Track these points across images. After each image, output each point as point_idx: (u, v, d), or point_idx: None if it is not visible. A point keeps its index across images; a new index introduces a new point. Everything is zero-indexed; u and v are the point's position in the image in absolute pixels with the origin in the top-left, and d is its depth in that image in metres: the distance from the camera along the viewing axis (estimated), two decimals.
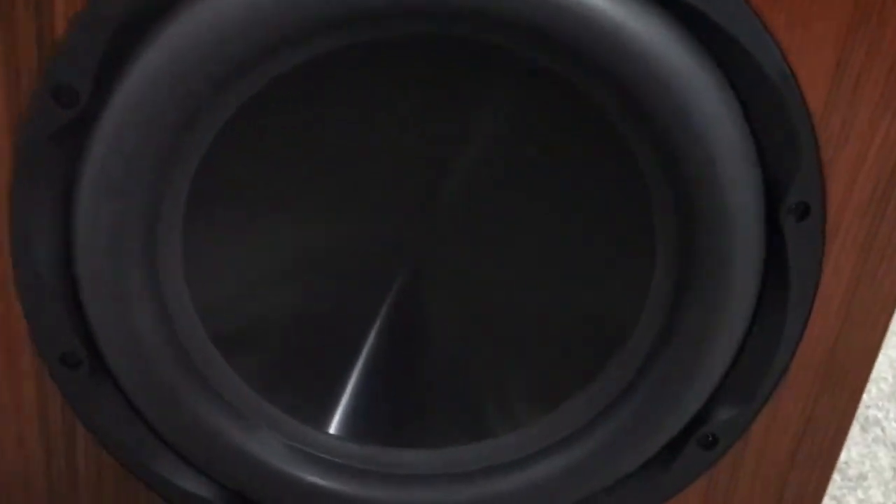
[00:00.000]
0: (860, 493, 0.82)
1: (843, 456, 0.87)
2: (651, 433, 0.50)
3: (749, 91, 0.44)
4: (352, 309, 0.50)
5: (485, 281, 0.50)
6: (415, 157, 0.47)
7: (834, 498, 0.82)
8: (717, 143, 0.43)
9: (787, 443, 0.52)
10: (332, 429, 0.51)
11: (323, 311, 0.50)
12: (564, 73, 0.43)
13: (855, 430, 0.89)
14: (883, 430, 0.90)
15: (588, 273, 0.49)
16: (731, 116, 0.43)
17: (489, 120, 0.46)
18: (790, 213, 0.46)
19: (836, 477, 0.84)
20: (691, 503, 0.54)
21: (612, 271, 0.49)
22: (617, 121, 0.44)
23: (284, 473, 0.50)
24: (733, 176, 0.44)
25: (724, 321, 0.47)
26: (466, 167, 0.47)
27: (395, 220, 0.48)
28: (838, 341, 0.49)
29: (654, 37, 0.41)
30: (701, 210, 0.44)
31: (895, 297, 0.48)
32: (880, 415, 0.92)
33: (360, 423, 0.51)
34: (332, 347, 0.51)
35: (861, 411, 0.92)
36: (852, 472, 0.85)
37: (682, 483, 0.54)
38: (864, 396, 0.94)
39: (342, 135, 0.46)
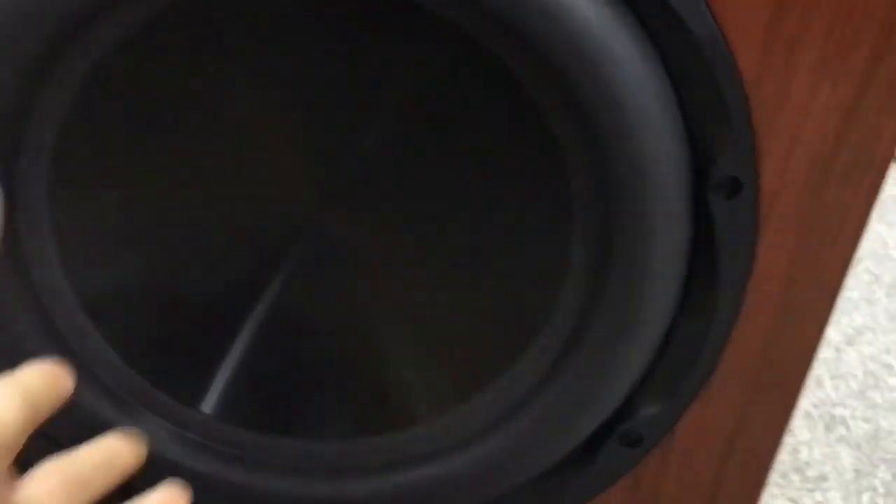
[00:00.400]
0: (818, 496, 0.78)
1: (804, 456, 0.82)
2: (565, 429, 0.46)
3: (675, 54, 0.39)
4: (234, 281, 0.45)
5: (386, 263, 0.45)
6: (313, 123, 0.42)
7: (791, 500, 0.77)
8: (636, 108, 0.38)
9: (718, 444, 0.48)
10: (209, 409, 0.47)
11: (203, 285, 0.45)
12: (474, 32, 0.38)
13: (818, 430, 0.85)
14: (848, 429, 0.85)
15: (501, 260, 0.44)
16: (653, 80, 0.39)
17: (393, 90, 0.41)
18: (719, 188, 0.41)
19: (794, 478, 0.80)
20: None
21: (528, 258, 0.44)
22: (531, 88, 0.39)
23: (156, 456, 0.46)
24: (654, 146, 0.39)
25: (644, 311, 0.43)
26: (369, 138, 0.42)
27: (290, 191, 0.43)
28: (774, 334, 0.45)
29: None
30: (619, 184, 0.39)
31: (838, 284, 0.43)
32: (846, 413, 0.87)
33: (238, 406, 0.46)
34: (210, 321, 0.46)
35: (826, 409, 0.87)
36: (812, 472, 0.80)
37: (604, 482, 0.49)
38: (832, 394, 0.89)
39: (232, 90, 0.41)
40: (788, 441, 0.83)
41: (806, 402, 0.88)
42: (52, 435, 0.46)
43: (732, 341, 0.45)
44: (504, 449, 0.47)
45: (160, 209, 0.44)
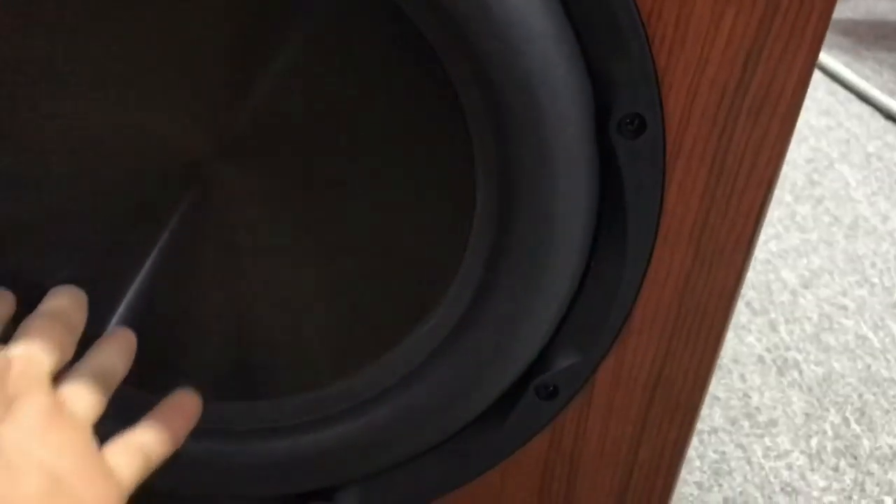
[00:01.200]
0: (767, 441, 0.77)
1: (755, 400, 0.81)
2: (478, 382, 0.44)
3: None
4: (124, 234, 0.42)
5: (284, 220, 0.42)
6: (212, 67, 0.39)
7: (740, 446, 0.76)
8: (528, 41, 0.35)
9: (638, 395, 0.46)
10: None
11: (90, 236, 0.43)
12: None
13: (770, 375, 0.84)
14: (801, 373, 0.84)
15: (404, 212, 0.42)
16: (545, 12, 0.36)
17: (292, 32, 0.38)
18: (622, 128, 0.38)
19: (744, 423, 0.79)
20: (535, 462, 0.48)
21: (431, 208, 0.42)
22: (422, 27, 0.37)
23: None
24: (549, 81, 0.36)
25: (551, 257, 0.40)
26: (268, 86, 0.39)
27: (189, 133, 0.40)
28: (689, 278, 0.43)
29: None
30: (514, 124, 0.37)
31: (753, 224, 0.41)
32: (800, 357, 0.86)
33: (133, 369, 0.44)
34: (99, 279, 0.43)
35: (780, 353, 0.86)
36: (762, 418, 0.79)
37: (522, 436, 0.47)
38: (786, 338, 0.88)
39: (136, 18, 0.38)
40: (739, 387, 0.82)
41: (759, 346, 0.87)
42: None
43: (646, 287, 0.43)
44: (417, 405, 0.45)
45: (46, 159, 0.41)
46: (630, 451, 0.48)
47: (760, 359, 0.85)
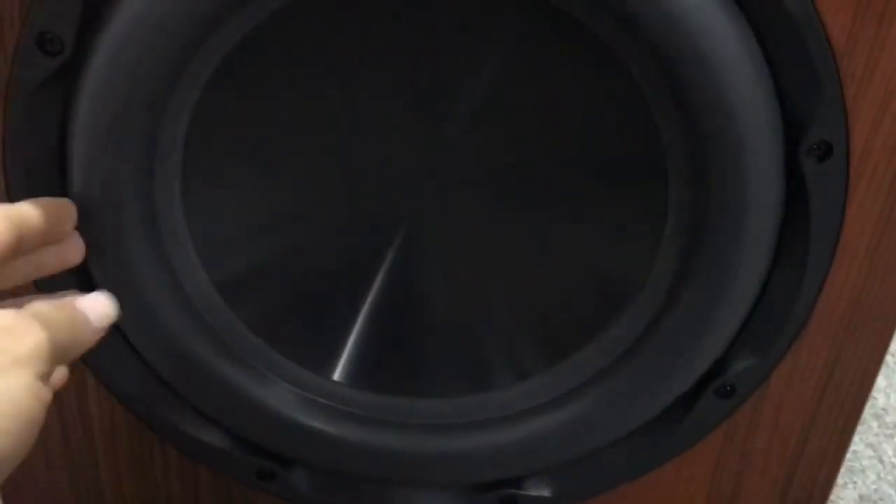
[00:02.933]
0: None
1: (881, 402, 0.84)
2: (662, 385, 0.49)
3: (766, 22, 0.41)
4: (355, 255, 0.49)
5: (491, 231, 0.48)
6: (418, 100, 0.45)
7: (870, 445, 0.80)
8: (730, 76, 0.40)
9: (809, 395, 0.50)
10: (337, 376, 0.51)
11: (326, 257, 0.49)
12: (566, 7, 0.41)
13: (895, 377, 0.86)
14: None
15: (597, 221, 0.47)
16: (744, 48, 0.41)
17: (490, 61, 0.44)
18: (811, 153, 0.43)
19: (873, 424, 0.82)
20: (708, 456, 0.53)
21: (622, 219, 0.47)
22: (625, 58, 0.42)
23: (293, 421, 0.50)
24: (748, 112, 0.41)
25: (739, 269, 0.45)
26: (469, 111, 0.45)
27: (400, 165, 0.47)
28: (863, 290, 0.47)
29: None
30: (714, 149, 0.42)
31: None
32: None
33: (365, 371, 0.50)
34: (336, 294, 0.50)
35: None
36: (890, 418, 0.82)
37: (698, 434, 0.52)
38: None
39: (342, 76, 0.45)
40: None
41: None
42: (190, 401, 0.51)
43: (823, 295, 0.47)
44: (602, 405, 0.50)
45: (284, 193, 0.47)
46: (798, 445, 0.52)
47: (885, 363, 0.88)
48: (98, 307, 0.41)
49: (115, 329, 0.49)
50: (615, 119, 0.45)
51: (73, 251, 0.43)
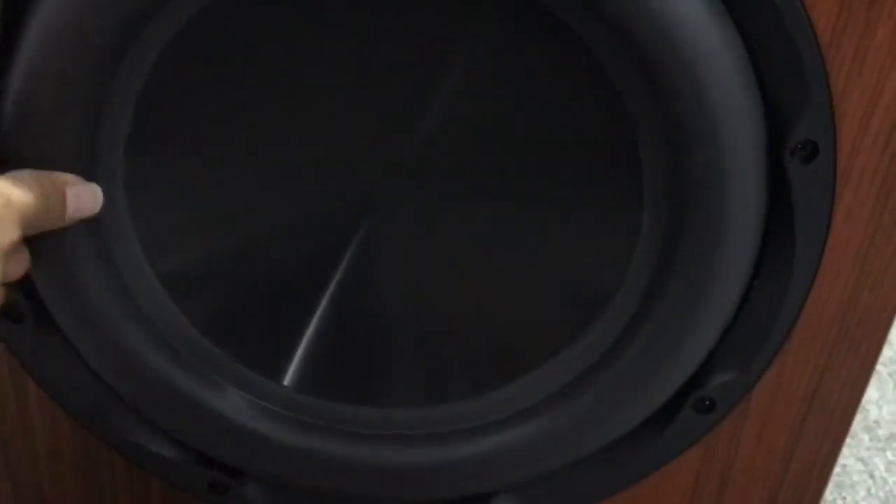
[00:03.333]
0: (889, 455, 0.77)
1: (873, 414, 0.81)
2: (636, 398, 0.46)
3: (747, 13, 0.38)
4: (311, 254, 0.45)
5: (456, 233, 0.45)
6: (385, 92, 0.42)
7: (861, 459, 0.77)
8: (708, 71, 0.37)
9: (794, 408, 0.47)
10: (289, 382, 0.48)
11: (281, 257, 0.46)
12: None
13: (888, 388, 0.84)
14: None
15: (568, 225, 0.44)
16: (724, 41, 0.38)
17: (459, 59, 0.41)
18: (796, 153, 0.40)
19: (864, 437, 0.79)
20: (688, 473, 0.50)
21: (595, 222, 0.44)
22: (599, 53, 0.39)
23: (239, 427, 0.47)
24: (728, 110, 0.38)
25: (718, 277, 0.42)
26: (439, 108, 0.42)
27: (361, 161, 0.44)
28: (851, 298, 0.44)
29: None
30: (691, 146, 0.39)
31: None
32: None
33: (318, 378, 0.47)
34: (290, 295, 0.47)
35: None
36: (882, 432, 0.79)
37: (676, 450, 0.49)
38: None
39: (303, 66, 0.42)
40: None
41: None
42: (133, 404, 0.48)
43: (808, 306, 0.44)
44: (576, 417, 0.47)
45: (233, 186, 0.44)
46: (782, 463, 0.50)
47: (877, 373, 0.85)
48: (82, 198, 0.41)
49: (58, 333, 0.46)
50: (589, 117, 0.42)
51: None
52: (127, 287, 0.44)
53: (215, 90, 0.42)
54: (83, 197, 0.41)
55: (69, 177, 0.40)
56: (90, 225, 0.42)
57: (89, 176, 0.41)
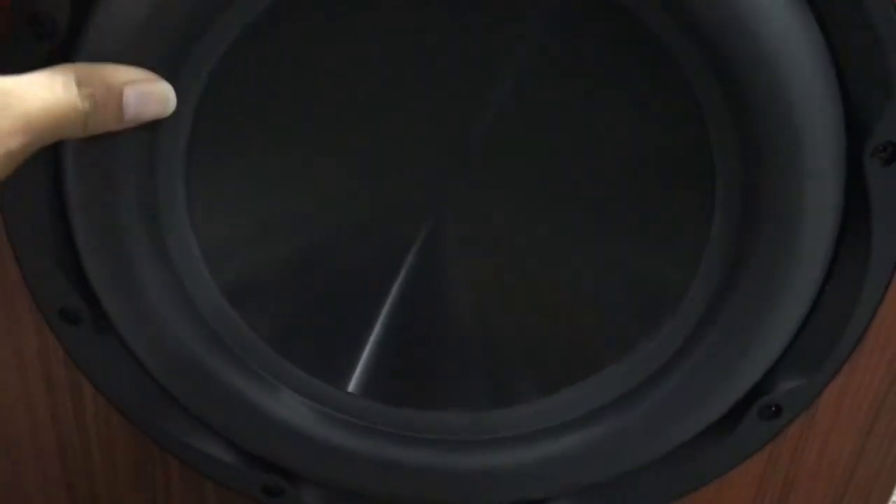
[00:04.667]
0: None
1: None
2: (701, 404, 0.45)
3: (834, 15, 0.37)
4: (371, 260, 0.45)
5: (519, 235, 0.44)
6: (441, 97, 0.41)
7: None
8: (788, 69, 0.37)
9: (861, 416, 0.46)
10: (352, 387, 0.47)
11: (342, 262, 0.46)
12: None
13: None
14: None
15: (635, 226, 0.43)
16: (806, 38, 0.37)
17: (523, 55, 0.40)
18: (875, 154, 0.39)
19: None
20: (750, 479, 0.49)
21: (662, 223, 0.43)
22: (671, 48, 0.38)
23: (303, 434, 0.47)
24: (807, 108, 0.37)
25: (790, 280, 0.41)
26: (499, 110, 0.41)
27: (421, 166, 0.43)
28: None
29: None
30: (768, 149, 0.38)
31: None
32: None
33: (380, 383, 0.47)
34: (352, 301, 0.46)
35: None
36: None
37: (740, 456, 0.48)
38: None
39: (362, 69, 0.41)
40: None
41: None
42: (196, 414, 0.47)
43: (882, 310, 0.43)
44: (634, 424, 0.46)
45: (293, 193, 0.44)
46: (847, 470, 0.49)
47: None
48: (146, 98, 0.37)
49: (115, 336, 0.45)
50: (657, 112, 0.41)
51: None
52: (187, 292, 0.44)
53: (273, 96, 0.42)
54: (147, 96, 0.37)
55: (132, 72, 0.36)
56: (150, 230, 0.42)
57: (150, 181, 0.41)
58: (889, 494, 0.50)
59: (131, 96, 0.36)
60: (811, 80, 0.37)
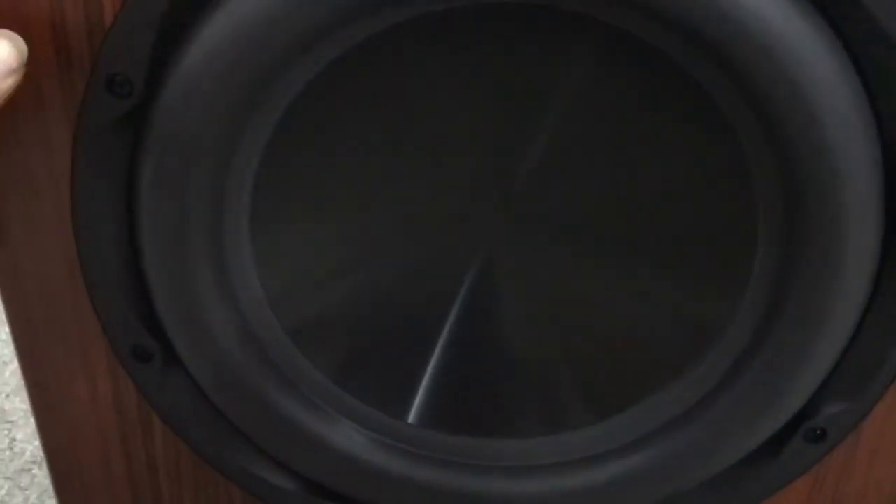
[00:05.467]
0: None
1: None
2: (747, 429, 0.47)
3: (865, 51, 0.38)
4: (426, 295, 0.47)
5: (568, 267, 0.46)
6: (489, 138, 0.44)
7: None
8: (824, 104, 0.38)
9: None
10: (411, 418, 0.49)
11: (397, 298, 0.48)
12: (652, 40, 0.39)
13: None
14: None
15: (679, 259, 0.45)
16: (842, 76, 0.38)
17: (568, 97, 0.42)
18: None
19: None
20: (795, 501, 0.50)
21: (707, 256, 0.45)
22: (711, 90, 0.40)
23: (365, 464, 0.49)
24: (845, 143, 0.39)
25: (832, 310, 0.43)
26: (545, 148, 0.43)
27: (470, 204, 0.45)
28: None
29: None
30: (808, 179, 0.40)
31: None
32: None
33: (439, 413, 0.48)
34: (407, 335, 0.48)
35: None
36: None
37: (784, 480, 0.49)
38: None
39: (412, 115, 0.43)
40: None
41: None
42: (260, 445, 0.50)
43: None
44: (682, 449, 0.48)
45: (354, 233, 0.46)
46: (893, 493, 0.50)
47: None
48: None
49: (182, 371, 0.48)
50: (701, 156, 0.43)
51: None
52: (252, 332, 0.46)
53: (336, 142, 0.44)
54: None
55: None
56: (216, 271, 0.44)
57: (218, 225, 0.43)
58: None
59: None
60: (847, 115, 0.39)
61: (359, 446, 0.49)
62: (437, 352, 0.48)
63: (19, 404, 0.93)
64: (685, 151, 0.43)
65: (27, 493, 0.84)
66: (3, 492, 0.84)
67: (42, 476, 0.85)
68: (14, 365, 0.96)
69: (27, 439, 0.89)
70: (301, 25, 0.38)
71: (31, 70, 0.40)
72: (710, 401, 0.47)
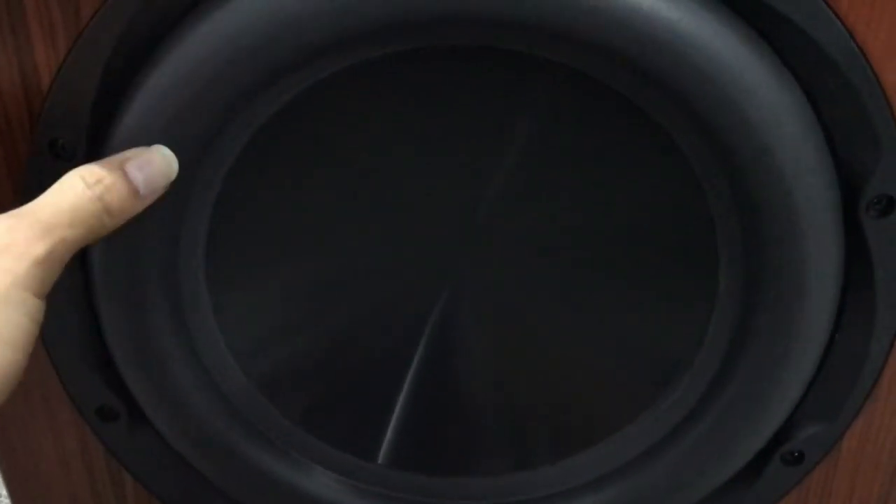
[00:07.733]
0: None
1: None
2: (722, 456, 0.46)
3: (813, 75, 0.38)
4: (392, 336, 0.46)
5: (529, 303, 0.45)
6: (450, 175, 0.43)
7: None
8: (775, 132, 0.38)
9: (885, 457, 0.47)
10: (381, 459, 0.49)
11: (362, 342, 0.47)
12: (604, 77, 0.38)
13: None
14: None
15: (645, 290, 0.45)
16: (790, 103, 0.38)
17: (526, 132, 0.42)
18: (870, 207, 0.40)
19: None
20: None
21: (671, 287, 0.44)
22: (666, 126, 0.39)
23: None
24: (797, 167, 0.38)
25: (799, 335, 0.42)
26: (505, 184, 0.43)
27: (432, 242, 0.44)
28: None
29: (693, 21, 0.36)
30: (764, 207, 0.39)
31: None
32: None
33: (408, 453, 0.48)
34: (374, 377, 0.48)
35: None
36: None
37: (767, 501, 0.49)
38: None
39: (369, 156, 0.43)
40: None
41: None
42: (234, 497, 0.49)
43: (893, 356, 0.44)
44: (657, 480, 0.47)
45: (314, 278, 0.45)
46: None
47: None
48: (148, 170, 0.37)
49: (150, 428, 0.47)
50: (659, 186, 0.42)
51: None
52: (216, 384, 0.46)
53: (288, 188, 0.43)
54: (149, 163, 0.37)
55: (126, 152, 0.37)
56: (175, 324, 0.43)
57: (174, 278, 0.43)
58: None
59: (134, 168, 0.36)
60: (800, 145, 0.38)
61: (332, 492, 0.48)
62: (405, 392, 0.47)
63: None
64: (643, 184, 0.43)
65: None
66: None
67: None
68: None
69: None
70: (239, 82, 0.37)
71: None
72: (685, 429, 0.46)
